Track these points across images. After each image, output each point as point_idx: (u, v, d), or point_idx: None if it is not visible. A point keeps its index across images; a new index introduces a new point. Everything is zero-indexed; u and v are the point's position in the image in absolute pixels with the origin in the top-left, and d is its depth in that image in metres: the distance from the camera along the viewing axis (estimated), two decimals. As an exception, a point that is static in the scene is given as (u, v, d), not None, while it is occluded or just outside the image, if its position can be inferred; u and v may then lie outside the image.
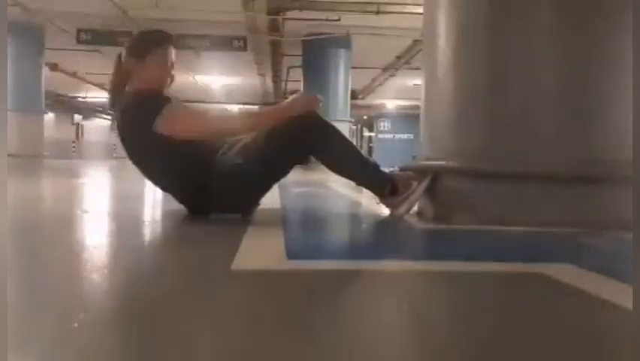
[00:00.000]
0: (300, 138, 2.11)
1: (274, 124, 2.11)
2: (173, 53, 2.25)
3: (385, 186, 2.21)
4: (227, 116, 2.28)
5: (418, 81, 2.42)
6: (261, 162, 2.11)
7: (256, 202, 2.26)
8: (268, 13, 10.25)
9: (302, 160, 2.20)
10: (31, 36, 11.81)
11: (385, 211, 2.29)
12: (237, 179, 2.09)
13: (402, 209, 2.18)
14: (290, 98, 2.20)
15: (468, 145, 2.09)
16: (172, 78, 2.26)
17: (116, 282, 1.16)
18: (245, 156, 2.11)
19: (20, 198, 3.00)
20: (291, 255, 1.42)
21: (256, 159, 2.11)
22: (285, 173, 2.20)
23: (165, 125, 2.04)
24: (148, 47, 2.20)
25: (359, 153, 2.31)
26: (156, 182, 2.26)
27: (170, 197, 2.27)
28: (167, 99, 2.11)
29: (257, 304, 0.98)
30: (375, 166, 2.24)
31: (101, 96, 23.12)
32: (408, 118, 22.13)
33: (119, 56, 2.23)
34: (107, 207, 2.98)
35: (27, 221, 2.06)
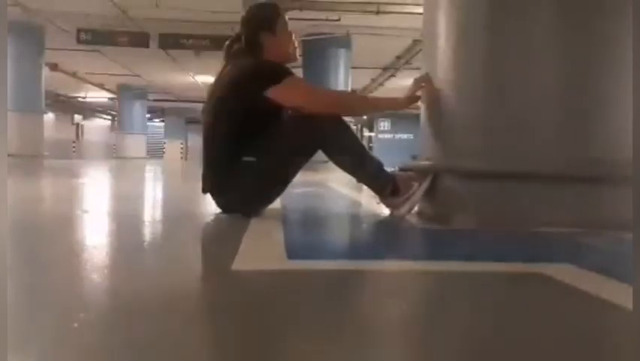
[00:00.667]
0: (313, 134, 2.13)
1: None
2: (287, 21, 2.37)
3: (387, 186, 2.21)
4: (343, 96, 2.37)
5: (417, 76, 2.42)
6: (273, 160, 2.13)
7: (268, 201, 2.27)
8: (268, 13, 10.25)
9: (311, 155, 2.22)
10: (31, 36, 11.80)
11: (386, 211, 2.29)
12: (249, 177, 2.09)
13: (403, 209, 2.18)
14: (409, 90, 2.28)
15: (468, 145, 2.09)
16: (298, 45, 2.37)
17: (115, 282, 1.16)
18: (257, 154, 2.11)
19: (20, 198, 3.00)
20: (292, 255, 1.42)
21: (267, 157, 2.12)
22: (296, 171, 2.23)
23: (280, 92, 2.11)
24: (275, 19, 2.30)
25: (365, 150, 2.32)
26: (213, 148, 2.22)
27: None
28: (290, 72, 2.19)
29: (257, 304, 0.98)
30: (379, 165, 2.25)
31: (101, 96, 23.18)
32: (408, 118, 22.11)
33: (231, 44, 2.30)
34: (107, 207, 2.98)
35: (27, 221, 2.06)
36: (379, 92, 19.23)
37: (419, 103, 2.33)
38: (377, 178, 2.23)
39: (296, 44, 2.36)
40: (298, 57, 2.37)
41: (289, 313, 0.92)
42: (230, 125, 2.17)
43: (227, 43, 2.35)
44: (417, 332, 0.87)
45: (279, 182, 2.22)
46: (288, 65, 2.28)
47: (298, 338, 0.79)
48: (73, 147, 25.76)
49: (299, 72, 12.86)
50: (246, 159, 2.12)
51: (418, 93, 2.28)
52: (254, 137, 2.13)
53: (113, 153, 23.65)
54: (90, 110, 27.72)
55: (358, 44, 11.92)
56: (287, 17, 2.38)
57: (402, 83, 16.72)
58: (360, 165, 2.22)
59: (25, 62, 11.39)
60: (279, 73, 2.15)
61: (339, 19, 10.77)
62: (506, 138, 2.01)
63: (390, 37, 11.17)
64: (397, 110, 2.37)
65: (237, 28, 2.36)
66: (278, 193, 2.27)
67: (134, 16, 10.73)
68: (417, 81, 2.28)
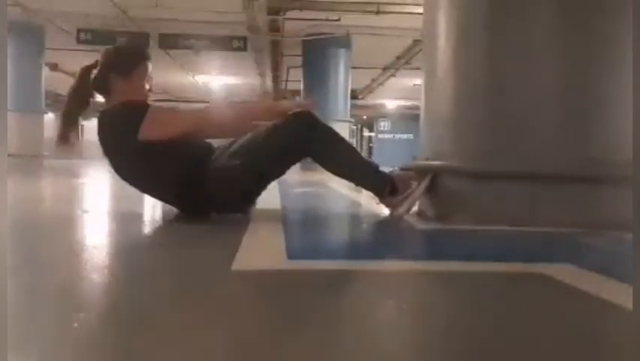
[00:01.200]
0: (299, 141, 2.13)
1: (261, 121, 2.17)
2: (150, 66, 2.29)
3: (385, 187, 2.21)
4: (208, 114, 2.28)
5: (418, 81, 2.42)
6: (258, 164, 2.13)
7: (253, 201, 2.27)
8: (268, 13, 10.25)
9: (298, 161, 2.22)
10: (31, 36, 11.79)
11: (385, 211, 2.29)
12: (236, 180, 2.10)
13: (402, 209, 2.18)
14: (284, 102, 2.22)
15: (468, 145, 2.09)
16: (151, 90, 2.29)
17: (115, 282, 1.16)
18: (242, 158, 2.11)
19: (20, 198, 3.00)
20: (292, 255, 1.42)
21: (254, 160, 2.11)
22: (282, 173, 2.23)
23: (150, 130, 2.06)
24: (134, 63, 2.22)
25: (358, 154, 2.32)
26: (152, 191, 2.24)
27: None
28: (145, 107, 2.12)
29: (257, 304, 0.98)
30: (375, 167, 2.25)
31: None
32: (408, 118, 22.12)
33: (87, 70, 2.22)
34: (107, 207, 2.98)
35: (27, 221, 2.06)
36: (379, 92, 19.24)
37: (419, 103, 2.33)
38: (372, 180, 2.23)
39: (150, 87, 2.28)
40: (148, 96, 2.27)
41: (289, 313, 0.92)
42: (157, 170, 2.12)
43: (79, 71, 2.25)
44: (417, 332, 0.87)
45: (262, 186, 2.22)
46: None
47: (298, 338, 0.78)
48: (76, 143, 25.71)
49: (299, 72, 12.89)
50: (232, 162, 2.10)
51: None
52: (190, 159, 2.11)
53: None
54: (90, 110, 27.69)
55: (358, 44, 11.91)
56: (150, 66, 2.28)
57: (402, 82, 16.75)
58: (352, 169, 2.23)
59: (25, 62, 11.38)
60: (136, 114, 2.08)
61: (339, 19, 10.77)
62: (506, 137, 2.01)
63: (390, 37, 11.17)
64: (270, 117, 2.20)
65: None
66: (259, 194, 2.26)
67: (134, 16, 10.72)
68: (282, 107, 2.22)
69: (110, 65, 2.21)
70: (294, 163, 2.22)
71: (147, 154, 2.07)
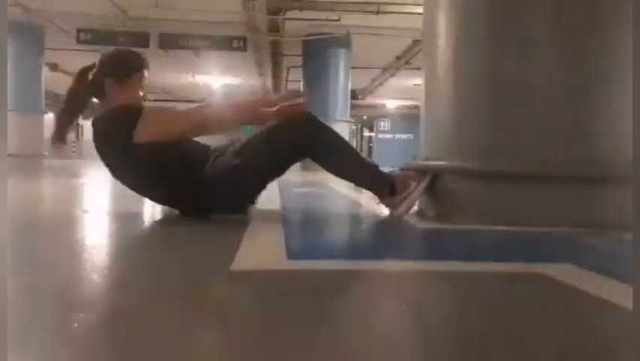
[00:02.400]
0: (298, 141, 2.13)
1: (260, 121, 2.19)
2: (147, 74, 2.29)
3: (384, 187, 2.21)
4: (201, 113, 2.27)
5: (418, 81, 2.43)
6: (258, 164, 2.13)
7: (253, 201, 2.27)
8: (268, 13, 10.25)
9: (298, 161, 2.23)
10: (31, 36, 11.79)
11: (385, 211, 2.29)
12: (236, 180, 2.09)
13: (401, 209, 2.18)
14: (279, 97, 2.23)
15: (468, 145, 2.09)
16: (145, 98, 2.29)
17: (115, 282, 1.16)
18: (242, 158, 2.11)
19: (20, 198, 3.00)
20: (292, 255, 1.42)
21: (254, 161, 2.12)
22: (281, 173, 2.23)
23: (144, 133, 2.05)
24: (133, 70, 2.23)
25: (357, 154, 2.32)
26: (151, 194, 2.24)
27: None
28: (139, 110, 2.12)
29: (257, 304, 0.98)
30: (374, 167, 2.25)
31: (101, 96, 23.16)
32: (408, 118, 22.12)
33: (84, 72, 2.21)
34: (107, 207, 2.98)
35: (27, 221, 2.06)
36: (379, 92, 19.24)
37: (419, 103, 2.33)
38: (372, 180, 2.23)
39: (142, 94, 2.27)
40: (142, 104, 2.26)
41: (289, 313, 0.92)
42: (153, 173, 2.11)
43: (77, 72, 2.24)
44: (417, 332, 0.87)
45: (262, 185, 2.22)
46: None
47: (298, 339, 0.78)
48: (73, 147, 25.75)
49: (299, 72, 12.89)
50: (233, 162, 2.10)
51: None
52: (186, 162, 2.11)
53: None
54: (90, 110, 27.70)
55: (358, 44, 11.91)
56: (146, 73, 2.28)
57: (402, 82, 16.75)
58: (352, 169, 2.23)
59: (25, 62, 11.38)
60: (131, 117, 2.08)
61: (339, 19, 10.77)
62: (506, 137, 2.01)
63: (390, 37, 11.17)
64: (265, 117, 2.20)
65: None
66: (259, 193, 2.27)
67: (134, 16, 10.73)
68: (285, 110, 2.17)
69: (107, 69, 2.21)
70: (293, 163, 2.22)
71: (143, 158, 2.06)
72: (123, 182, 2.21)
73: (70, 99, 2.23)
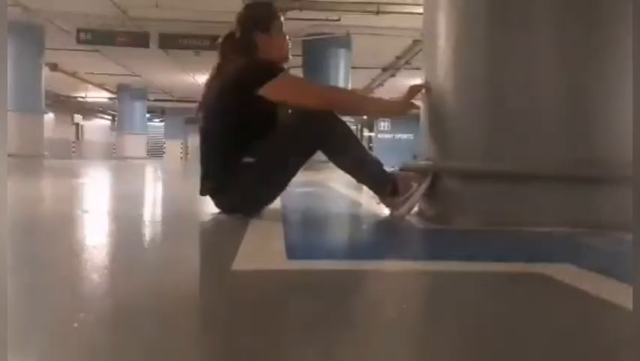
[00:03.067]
0: (313, 134, 2.13)
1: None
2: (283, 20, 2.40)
3: (386, 186, 2.20)
4: (333, 91, 2.36)
5: (418, 81, 2.43)
6: (271, 160, 2.13)
7: (269, 201, 2.27)
8: (268, 13, 10.25)
9: (311, 154, 2.22)
10: (31, 36, 11.79)
11: (385, 211, 2.29)
12: (249, 177, 2.09)
13: (402, 210, 2.18)
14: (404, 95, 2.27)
15: (468, 145, 2.09)
16: (290, 44, 2.38)
17: (115, 282, 1.16)
18: (256, 155, 2.11)
19: (20, 198, 3.00)
20: (292, 255, 1.42)
21: (267, 157, 2.12)
22: (295, 171, 2.22)
23: (274, 89, 2.13)
24: (271, 20, 2.32)
25: (364, 150, 2.32)
26: (207, 148, 2.25)
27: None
28: (280, 70, 2.21)
29: (257, 304, 0.98)
30: (379, 164, 2.24)
31: (101, 96, 23.17)
32: (408, 118, 22.13)
33: (229, 36, 2.32)
34: (107, 207, 2.98)
35: (27, 221, 2.06)
36: (379, 92, 19.25)
37: (419, 103, 2.33)
38: (377, 178, 2.23)
39: (289, 45, 2.38)
40: (290, 57, 2.39)
41: (289, 313, 0.92)
42: (227, 127, 2.18)
43: (220, 40, 2.36)
44: (417, 332, 0.87)
45: (279, 182, 2.22)
46: (284, 65, 2.30)
47: (298, 338, 0.78)
48: (73, 147, 25.75)
49: (299, 72, 12.89)
50: (245, 159, 2.12)
51: (417, 100, 2.28)
52: (252, 138, 2.13)
53: (113, 153, 23.64)
54: (90, 110, 27.72)
55: (358, 44, 11.92)
56: (282, 18, 2.38)
57: (402, 82, 16.77)
58: (360, 165, 2.22)
59: (25, 62, 11.38)
60: (271, 71, 2.17)
61: (339, 19, 10.77)
62: (506, 138, 2.01)
63: (390, 37, 11.17)
64: (392, 116, 2.39)
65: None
66: (278, 193, 2.28)
67: (134, 16, 10.73)
68: (414, 88, 2.27)
69: (252, 22, 2.30)
70: (306, 156, 2.20)
71: (243, 112, 2.13)
72: (206, 129, 2.24)
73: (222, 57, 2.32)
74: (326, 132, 2.15)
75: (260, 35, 2.27)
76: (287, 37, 2.37)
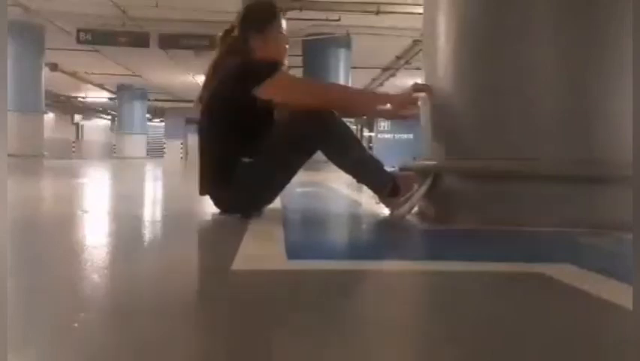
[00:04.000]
0: (312, 134, 2.13)
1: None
2: (284, 23, 2.38)
3: (387, 186, 2.20)
4: (336, 91, 2.35)
5: (419, 81, 2.42)
6: (271, 160, 2.13)
7: (268, 201, 2.28)
8: (268, 13, 10.25)
9: (311, 154, 2.21)
10: (31, 36, 11.81)
11: (386, 211, 2.29)
12: (246, 178, 2.09)
13: (403, 210, 2.18)
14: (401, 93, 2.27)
15: (468, 145, 2.09)
16: (287, 46, 2.39)
17: (115, 282, 1.16)
18: (256, 155, 2.11)
19: (20, 198, 3.00)
20: (292, 255, 1.42)
21: (266, 157, 2.12)
22: (295, 171, 2.22)
23: (271, 89, 2.11)
24: (269, 21, 2.31)
25: (364, 150, 2.32)
26: (210, 150, 2.25)
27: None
28: (280, 67, 2.20)
29: (257, 304, 0.98)
30: (379, 164, 2.24)
31: (101, 96, 23.19)
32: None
33: (228, 31, 2.32)
34: (107, 207, 2.98)
35: (27, 221, 2.06)
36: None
37: (419, 103, 2.33)
38: (377, 178, 2.22)
39: (287, 46, 2.37)
40: (286, 63, 2.36)
41: (289, 313, 0.92)
42: (226, 127, 2.18)
43: (221, 34, 2.36)
44: (417, 332, 0.87)
45: (279, 182, 2.22)
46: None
47: (298, 338, 0.78)
48: (73, 147, 25.76)
49: (299, 72, 12.89)
50: (244, 159, 2.12)
51: (419, 94, 2.28)
52: (251, 137, 2.13)
53: (113, 153, 23.66)
54: (90, 110, 27.74)
55: (358, 44, 11.93)
56: (284, 20, 2.37)
57: (402, 82, 16.76)
58: (360, 165, 2.22)
59: (25, 62, 11.40)
60: (265, 71, 2.15)
61: (339, 19, 10.79)
62: (506, 138, 2.01)
63: (390, 37, 11.19)
64: (392, 116, 2.34)
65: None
66: (278, 193, 2.28)
67: (134, 16, 10.74)
68: (417, 85, 2.27)
69: (248, 22, 2.30)
70: (305, 156, 2.19)
71: (241, 112, 2.12)
72: (204, 129, 2.24)
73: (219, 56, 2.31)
74: (326, 132, 2.14)
75: (254, 36, 2.27)
76: (287, 40, 2.35)
